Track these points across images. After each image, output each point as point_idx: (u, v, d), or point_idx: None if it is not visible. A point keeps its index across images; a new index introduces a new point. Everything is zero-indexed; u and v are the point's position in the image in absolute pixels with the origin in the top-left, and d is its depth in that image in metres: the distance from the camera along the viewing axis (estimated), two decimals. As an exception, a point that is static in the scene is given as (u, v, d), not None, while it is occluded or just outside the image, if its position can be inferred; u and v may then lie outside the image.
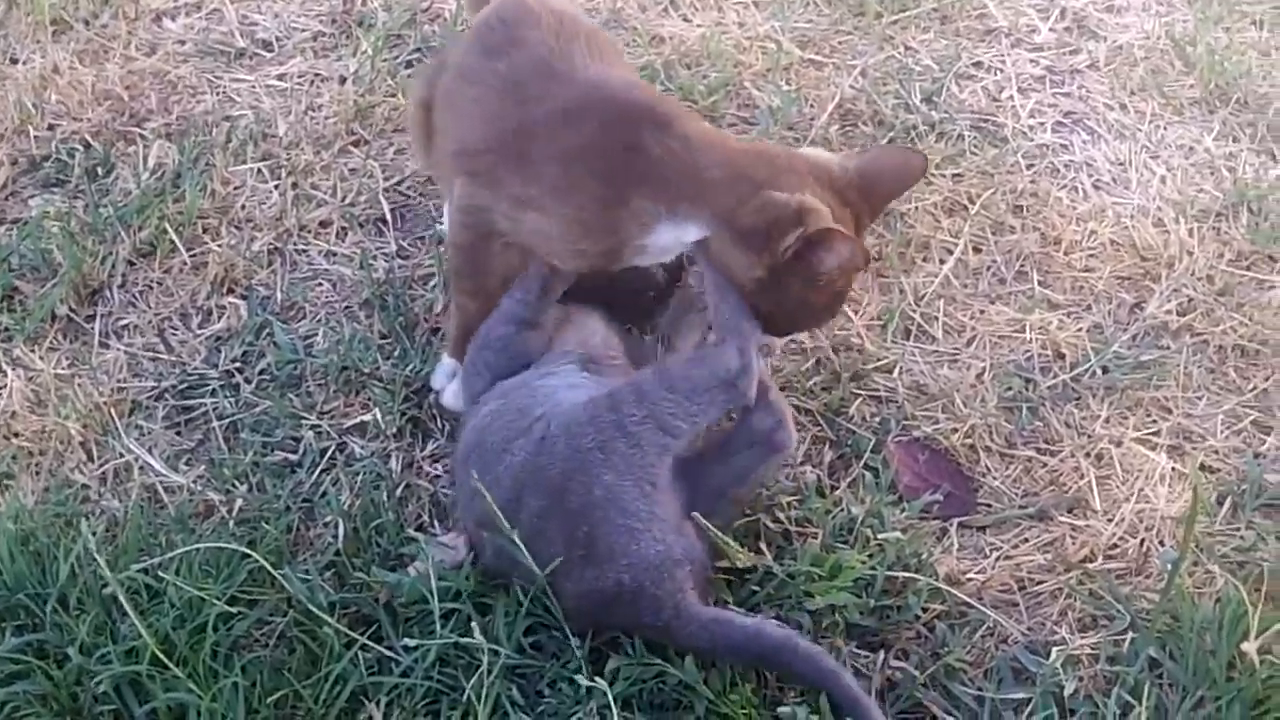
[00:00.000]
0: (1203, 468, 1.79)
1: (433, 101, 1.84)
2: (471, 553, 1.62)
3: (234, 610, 1.58)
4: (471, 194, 1.70)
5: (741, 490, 1.64)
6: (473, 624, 1.51)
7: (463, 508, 1.64)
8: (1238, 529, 1.71)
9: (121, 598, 1.50)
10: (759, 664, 1.54)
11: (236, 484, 1.79)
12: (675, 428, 1.53)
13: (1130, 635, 1.59)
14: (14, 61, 2.50)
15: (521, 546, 1.50)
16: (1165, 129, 2.29)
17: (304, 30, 2.53)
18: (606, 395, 1.57)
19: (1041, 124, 2.30)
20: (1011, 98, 2.34)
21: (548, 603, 1.54)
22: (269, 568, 1.61)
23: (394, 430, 1.83)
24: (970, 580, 1.66)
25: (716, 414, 1.57)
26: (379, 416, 1.84)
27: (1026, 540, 1.71)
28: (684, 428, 1.54)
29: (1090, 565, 1.68)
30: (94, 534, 1.67)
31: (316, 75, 2.44)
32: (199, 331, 2.01)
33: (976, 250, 2.07)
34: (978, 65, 2.41)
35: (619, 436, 1.52)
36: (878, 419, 1.84)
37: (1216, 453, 1.81)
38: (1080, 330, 1.95)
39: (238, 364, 1.96)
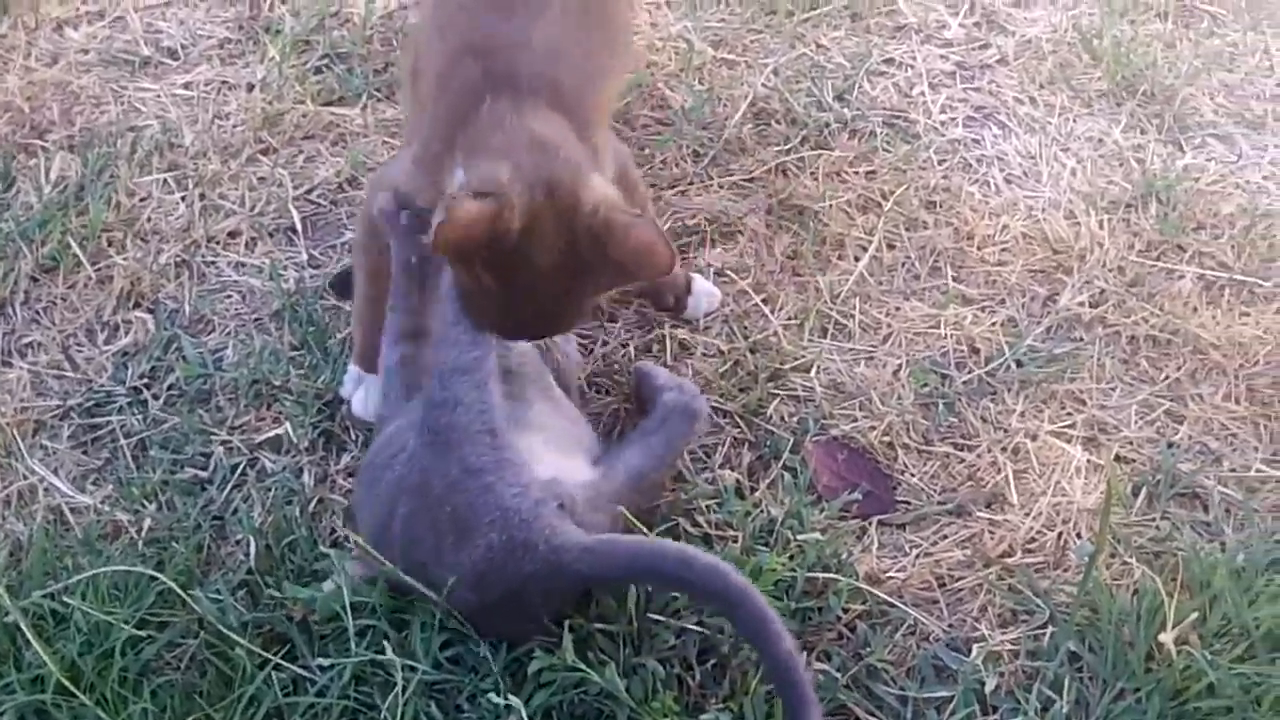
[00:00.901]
0: (1117, 459, 1.80)
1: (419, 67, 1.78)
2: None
3: (143, 634, 1.55)
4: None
5: (664, 469, 1.66)
6: (387, 640, 1.48)
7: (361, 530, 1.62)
8: (1153, 519, 1.72)
9: (24, 625, 1.47)
10: (657, 582, 1.52)
11: (145, 503, 1.76)
12: (464, 361, 1.52)
13: (1050, 629, 1.60)
14: (-93, 74, 2.44)
15: (403, 575, 1.48)
16: (1074, 122, 2.31)
17: (210, 37, 2.49)
18: (421, 395, 1.57)
19: (953, 119, 2.31)
20: (923, 94, 2.35)
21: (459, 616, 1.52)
22: (178, 589, 1.57)
23: (306, 444, 1.80)
24: (890, 579, 1.66)
25: (411, 251, 1.63)
26: (291, 430, 1.81)
27: (946, 537, 1.71)
28: (463, 338, 1.53)
29: (1009, 560, 1.68)
30: (-4, 560, 1.64)
31: (223, 83, 2.39)
32: (105, 347, 1.96)
33: (890, 247, 2.07)
34: (889, 62, 2.42)
35: (438, 411, 1.51)
36: (796, 419, 1.83)
37: (1131, 443, 1.82)
38: (994, 324, 1.96)
39: (145, 380, 1.91)
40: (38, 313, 2.01)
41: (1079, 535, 1.71)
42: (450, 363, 1.53)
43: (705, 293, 1.95)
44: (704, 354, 1.92)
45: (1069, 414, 1.85)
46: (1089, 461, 1.79)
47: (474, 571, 1.46)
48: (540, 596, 1.49)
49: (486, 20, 1.64)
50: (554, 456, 1.57)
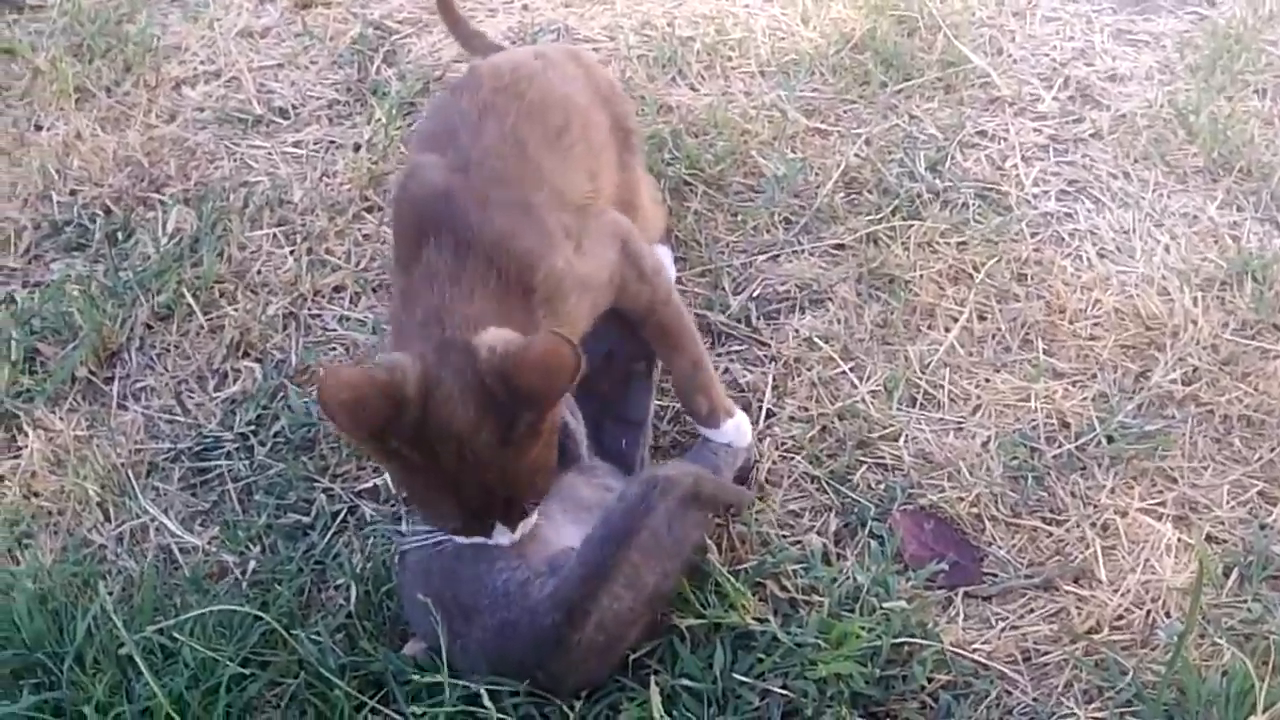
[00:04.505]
0: (1209, 538, 1.79)
1: None
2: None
3: (246, 672, 1.61)
4: None
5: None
6: (482, 691, 1.52)
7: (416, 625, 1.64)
8: (1244, 601, 1.71)
9: (137, 658, 1.53)
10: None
11: (250, 546, 1.82)
12: None
13: (1137, 708, 1.59)
14: (38, 128, 2.56)
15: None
16: (1169, 197, 2.32)
17: (320, 98, 2.58)
18: None
19: (1045, 192, 2.32)
20: (1015, 166, 2.37)
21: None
22: (281, 630, 1.63)
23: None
24: (976, 650, 1.67)
25: None
26: (390, 480, 1.86)
27: (1032, 610, 1.72)
28: None
29: (1096, 636, 1.68)
30: (110, 594, 1.71)
31: (331, 142, 2.48)
32: (215, 394, 2.04)
33: (981, 318, 2.09)
34: (982, 134, 2.44)
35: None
36: (883, 486, 1.85)
37: (1223, 523, 1.82)
38: (1085, 399, 1.96)
39: (252, 427, 1.98)
40: (152, 359, 2.10)
41: (1168, 614, 1.71)
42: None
43: (738, 427, 1.82)
44: (791, 418, 1.94)
45: (1160, 491, 1.85)
46: (1179, 540, 1.79)
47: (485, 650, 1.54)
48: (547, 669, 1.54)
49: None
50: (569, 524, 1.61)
